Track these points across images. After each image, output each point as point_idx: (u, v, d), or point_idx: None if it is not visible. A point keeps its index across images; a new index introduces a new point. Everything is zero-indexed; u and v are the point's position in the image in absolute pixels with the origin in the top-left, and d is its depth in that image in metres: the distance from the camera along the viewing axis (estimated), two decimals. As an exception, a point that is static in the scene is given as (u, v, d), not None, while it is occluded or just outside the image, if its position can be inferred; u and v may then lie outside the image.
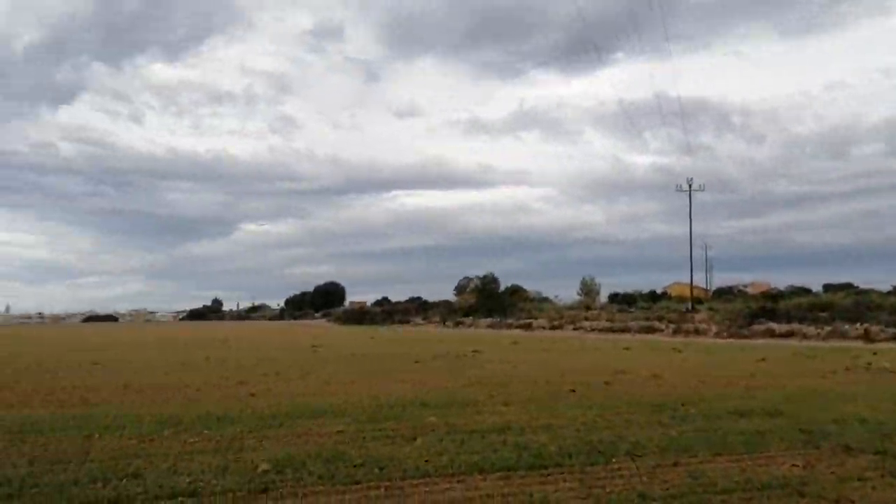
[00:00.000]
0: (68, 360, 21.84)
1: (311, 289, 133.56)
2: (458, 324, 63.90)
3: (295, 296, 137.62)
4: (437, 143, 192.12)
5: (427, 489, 6.04)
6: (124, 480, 6.27)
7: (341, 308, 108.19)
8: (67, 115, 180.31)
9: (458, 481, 6.29)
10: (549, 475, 6.53)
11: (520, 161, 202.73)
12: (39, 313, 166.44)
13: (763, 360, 20.30)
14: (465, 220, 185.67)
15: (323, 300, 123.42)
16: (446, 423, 9.11)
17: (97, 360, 21.19)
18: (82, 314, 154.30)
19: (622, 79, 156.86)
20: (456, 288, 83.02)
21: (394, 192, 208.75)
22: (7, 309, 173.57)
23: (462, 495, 5.85)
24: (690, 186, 64.50)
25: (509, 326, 55.82)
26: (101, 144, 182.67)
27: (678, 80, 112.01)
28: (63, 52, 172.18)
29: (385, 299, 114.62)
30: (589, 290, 75.92)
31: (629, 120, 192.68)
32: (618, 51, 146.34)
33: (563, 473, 6.59)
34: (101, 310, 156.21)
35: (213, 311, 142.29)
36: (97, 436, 8.41)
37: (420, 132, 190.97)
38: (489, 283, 74.59)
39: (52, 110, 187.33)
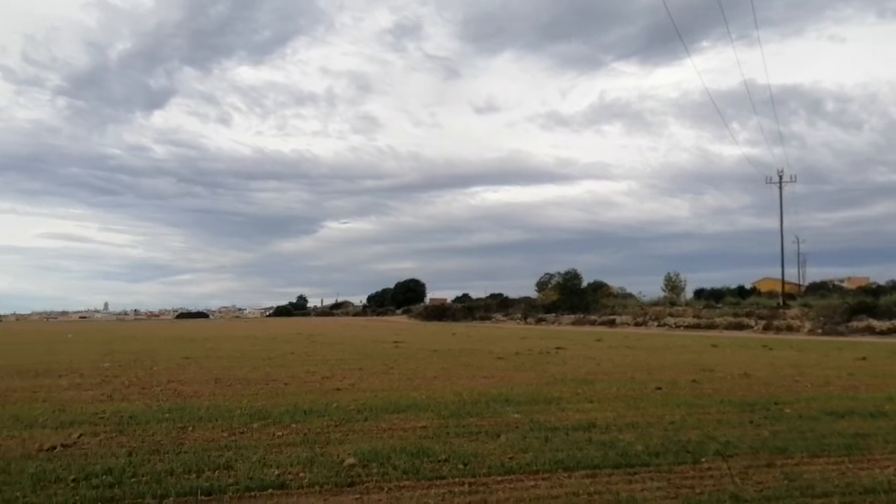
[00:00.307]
0: (162, 355, 22.71)
1: (392, 285, 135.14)
2: (539, 320, 63.54)
3: (376, 292, 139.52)
4: (516, 138, 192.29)
5: (511, 486, 5.98)
6: (216, 472, 6.44)
7: (422, 304, 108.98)
8: (160, 118, 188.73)
9: (543, 479, 6.21)
10: (635, 474, 6.39)
11: (601, 154, 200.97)
12: (135, 310, 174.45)
13: (863, 358, 19.41)
14: (546, 216, 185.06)
15: (404, 296, 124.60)
16: (530, 420, 9.04)
17: (189, 355, 21.97)
18: (175, 311, 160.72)
19: (708, 67, 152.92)
20: (537, 284, 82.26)
21: (474, 188, 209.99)
22: (105, 306, 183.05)
23: (547, 493, 5.77)
24: (781, 178, 62.07)
25: (592, 323, 55.23)
26: (192, 146, 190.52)
27: (768, 67, 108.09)
28: (155, 58, 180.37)
29: (465, 296, 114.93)
30: (674, 285, 74.09)
31: (716, 110, 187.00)
32: (703, 39, 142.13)
33: (650, 473, 6.44)
34: (193, 307, 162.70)
35: (298, 308, 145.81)
36: (190, 428, 8.69)
37: (500, 127, 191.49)
38: (571, 279, 73.72)
39: (145, 114, 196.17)
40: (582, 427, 8.57)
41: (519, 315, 70.65)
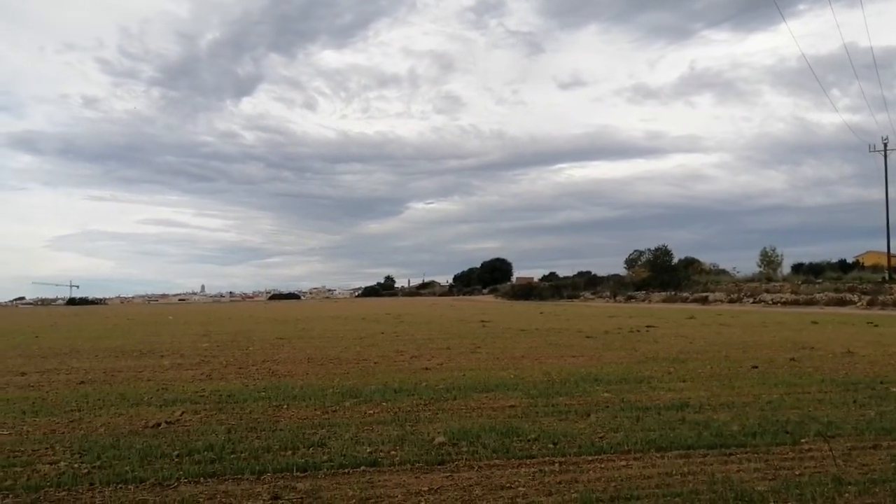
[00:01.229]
0: (257, 335, 23.48)
1: (478, 265, 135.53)
2: (629, 298, 62.56)
3: (462, 272, 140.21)
4: (603, 112, 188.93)
5: (602, 466, 5.91)
6: (311, 449, 6.61)
7: (508, 283, 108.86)
8: (249, 105, 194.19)
9: (635, 459, 6.11)
10: (731, 454, 6.21)
11: (691, 127, 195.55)
12: (230, 292, 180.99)
13: (977, 334, 18.29)
14: (635, 191, 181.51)
15: (490, 276, 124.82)
16: (621, 400, 8.91)
17: (282, 336, 22.64)
18: (268, 292, 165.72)
19: (805, 32, 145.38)
20: (626, 261, 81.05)
21: (560, 165, 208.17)
22: (202, 288, 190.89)
23: (639, 473, 5.67)
24: (886, 145, 58.91)
25: (684, 300, 53.99)
26: (279, 131, 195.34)
27: (870, 29, 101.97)
28: (242, 46, 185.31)
29: (553, 274, 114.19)
30: (770, 260, 71.29)
31: (814, 76, 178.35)
32: (800, 2, 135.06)
33: (746, 453, 6.25)
34: (285, 288, 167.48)
35: (386, 289, 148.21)
36: (285, 406, 8.95)
37: (585, 102, 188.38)
38: (662, 255, 72.20)
39: (235, 102, 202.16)
40: (674, 406, 8.40)
41: (608, 293, 69.72)
